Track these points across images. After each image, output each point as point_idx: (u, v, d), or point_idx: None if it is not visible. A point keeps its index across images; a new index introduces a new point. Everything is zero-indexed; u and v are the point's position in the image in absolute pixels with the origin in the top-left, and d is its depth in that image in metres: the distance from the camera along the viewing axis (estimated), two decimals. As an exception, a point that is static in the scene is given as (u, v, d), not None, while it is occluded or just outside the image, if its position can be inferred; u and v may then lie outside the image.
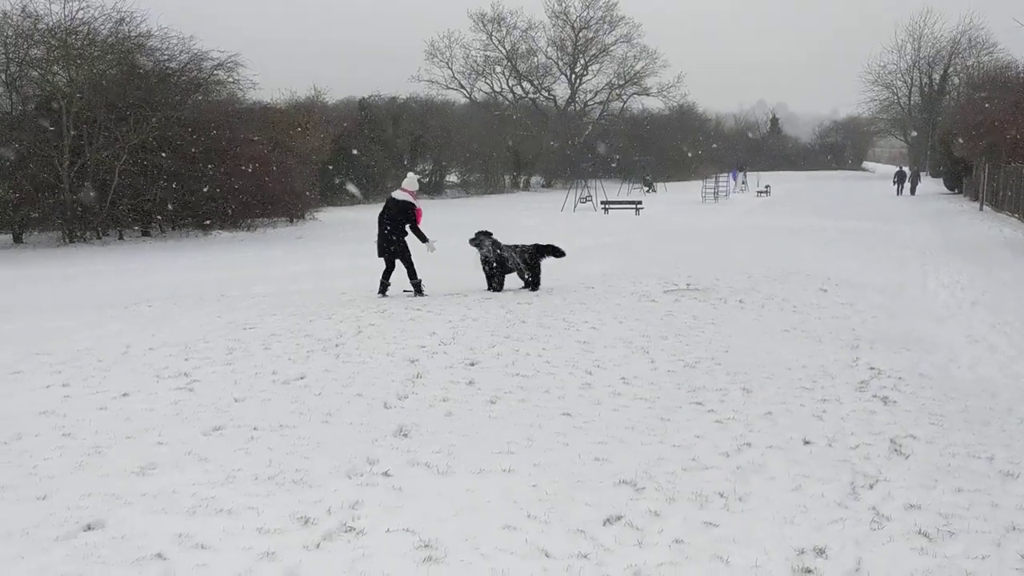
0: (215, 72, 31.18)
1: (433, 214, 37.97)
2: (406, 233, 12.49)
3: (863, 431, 6.18)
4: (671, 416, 6.47)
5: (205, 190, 28.70)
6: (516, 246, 13.27)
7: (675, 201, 46.81)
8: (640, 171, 59.23)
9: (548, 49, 73.38)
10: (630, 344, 9.07)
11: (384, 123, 52.25)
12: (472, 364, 7.92)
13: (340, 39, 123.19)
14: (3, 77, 27.79)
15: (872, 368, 8.27)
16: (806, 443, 5.87)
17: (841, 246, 21.38)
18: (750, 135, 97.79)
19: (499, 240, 13.08)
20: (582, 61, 73.94)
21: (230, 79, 31.60)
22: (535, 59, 73.27)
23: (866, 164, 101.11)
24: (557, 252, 13.52)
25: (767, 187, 53.28)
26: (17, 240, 27.84)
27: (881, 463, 5.49)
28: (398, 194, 12.56)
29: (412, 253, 12.58)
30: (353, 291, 13.26)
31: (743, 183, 58.11)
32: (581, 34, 72.90)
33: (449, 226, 30.25)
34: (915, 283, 15.05)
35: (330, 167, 43.46)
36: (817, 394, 7.22)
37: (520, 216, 36.88)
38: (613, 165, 60.88)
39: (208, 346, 8.54)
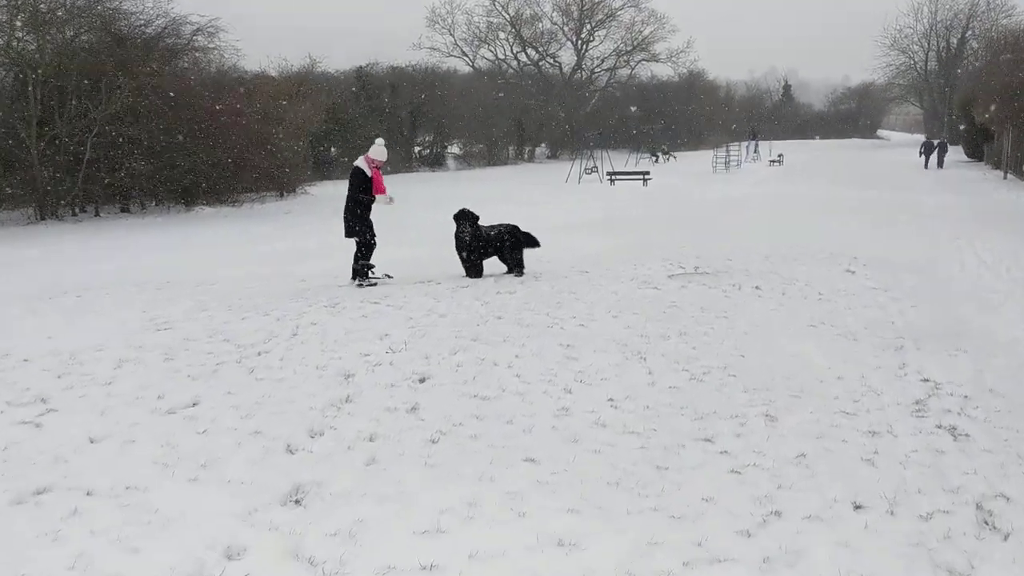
0: (195, 38, 29.39)
1: (431, 187, 36.53)
2: (361, 206, 10.83)
3: (934, 486, 4.52)
4: (671, 461, 4.82)
5: (179, 163, 26.95)
6: (494, 227, 11.61)
7: (685, 171, 44.94)
8: (649, 141, 57.25)
9: (553, 14, 70.96)
10: (624, 347, 7.41)
11: (382, 93, 50.33)
12: (422, 380, 6.28)
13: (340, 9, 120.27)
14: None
15: (926, 380, 6.60)
16: (857, 508, 4.22)
17: (862, 218, 19.64)
18: (762, 103, 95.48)
19: (478, 220, 11.40)
20: (588, 26, 71.49)
21: (211, 45, 29.79)
22: (540, 25, 70.82)
23: (881, 132, 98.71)
24: (532, 242, 11.87)
25: (780, 156, 51.35)
26: (-15, 218, 26.27)
27: (970, 546, 3.85)
28: (359, 161, 10.89)
29: (371, 232, 10.92)
30: (316, 277, 11.64)
31: (755, 152, 56.12)
32: (587, -2, 70.53)
33: (442, 199, 28.65)
34: (950, 259, 13.35)
35: (323, 139, 41.63)
36: (862, 422, 5.56)
37: (522, 188, 35.14)
38: (634, 132, 58.80)
39: (98, 356, 6.90)
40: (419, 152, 54.46)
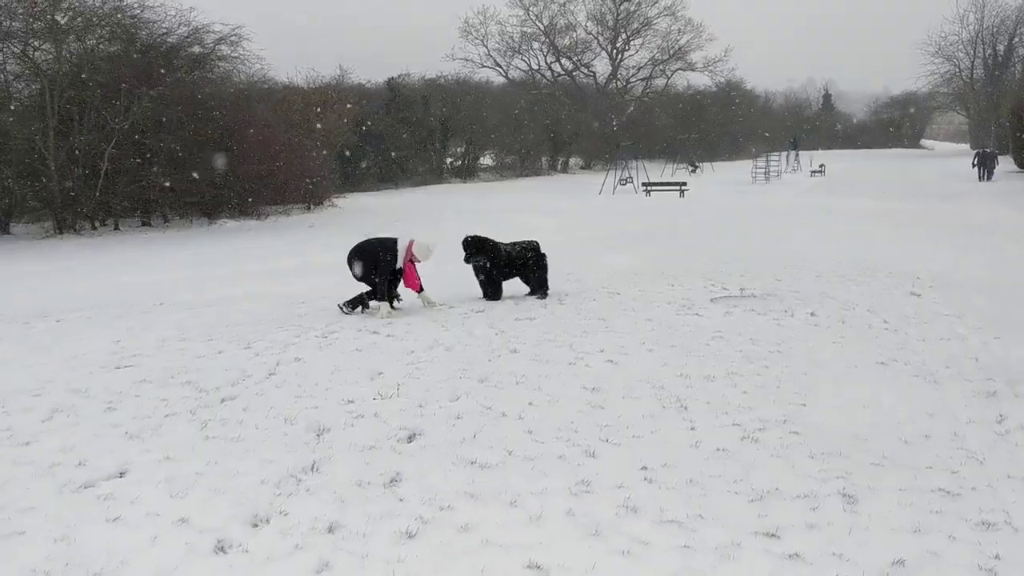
0: (218, 47, 28.59)
1: (463, 199, 35.40)
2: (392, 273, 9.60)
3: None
4: (724, 571, 3.60)
5: (195, 175, 26.07)
6: (516, 244, 10.43)
7: (723, 182, 43.50)
8: (685, 151, 55.81)
9: (588, 24, 69.67)
10: (660, 391, 6.19)
11: (414, 104, 49.37)
12: (411, 438, 5.10)
13: (369, 21, 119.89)
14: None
15: (1037, 440, 5.31)
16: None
17: (917, 231, 18.23)
18: (803, 112, 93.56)
19: (494, 241, 10.22)
20: (624, 35, 70.17)
21: (234, 54, 28.97)
22: (574, 34, 69.58)
23: (924, 141, 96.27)
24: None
25: (821, 166, 49.65)
26: (4, 231, 25.57)
27: None
28: (402, 242, 9.58)
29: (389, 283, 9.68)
30: (320, 297, 10.51)
31: (796, 161, 54.47)
32: (622, 7, 69.05)
33: (469, 212, 27.53)
34: (1021, 279, 11.97)
35: (347, 151, 40.71)
36: (969, 506, 4.29)
37: (554, 199, 33.98)
38: (667, 143, 57.32)
39: (31, 404, 5.79)
40: (450, 163, 53.49)
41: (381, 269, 9.41)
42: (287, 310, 9.78)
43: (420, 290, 9.69)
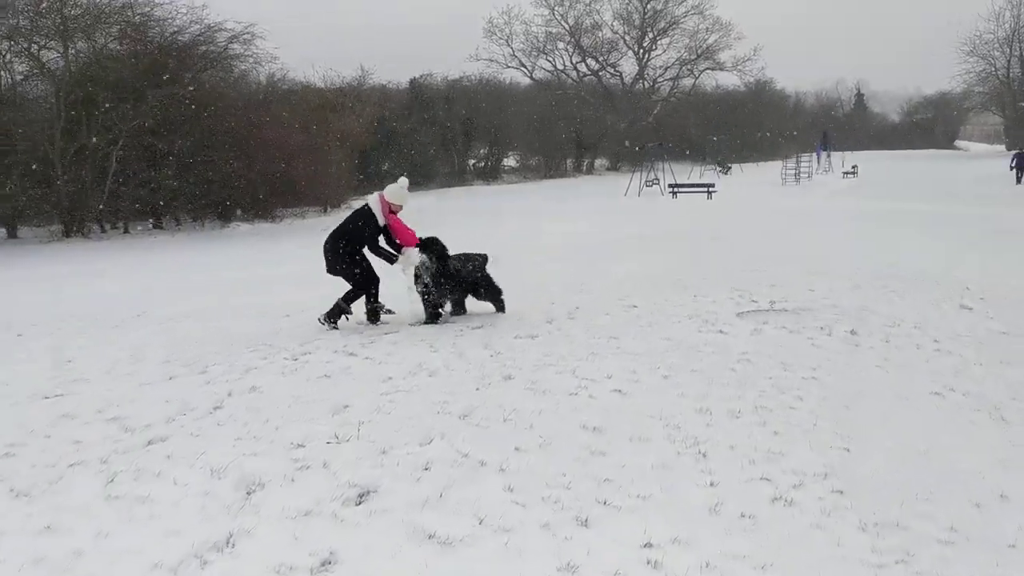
0: (230, 45, 27.86)
1: (484, 201, 34.43)
2: (357, 247, 8.62)
3: None
4: None
5: (214, 178, 25.34)
6: (465, 255, 9.10)
7: (752, 183, 42.34)
8: (713, 152, 54.52)
9: (614, 23, 68.36)
10: (675, 432, 5.18)
11: (436, 104, 48.47)
12: (360, 498, 4.12)
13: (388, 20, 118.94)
14: (-8, 53, 24.75)
15: None
16: None
17: (956, 237, 17.04)
18: (833, 113, 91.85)
19: (446, 249, 8.85)
20: (650, 35, 68.85)
21: (247, 52, 28.22)
22: (600, 34, 68.33)
23: (959, 143, 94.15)
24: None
25: (854, 167, 48.31)
26: (12, 235, 24.94)
27: None
28: (371, 199, 8.67)
29: (366, 276, 8.70)
30: (307, 309, 9.55)
31: (827, 162, 53.09)
32: (649, 6, 67.71)
33: (486, 214, 26.57)
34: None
35: (373, 152, 39.84)
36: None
37: (578, 201, 33.01)
38: (694, 144, 55.88)
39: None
40: (473, 165, 52.60)
41: (367, 239, 8.45)
42: (266, 324, 8.85)
43: (419, 243, 8.64)
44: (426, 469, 4.50)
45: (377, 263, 8.79)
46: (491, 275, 9.11)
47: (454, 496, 4.17)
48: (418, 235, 8.68)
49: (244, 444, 4.83)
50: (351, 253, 8.53)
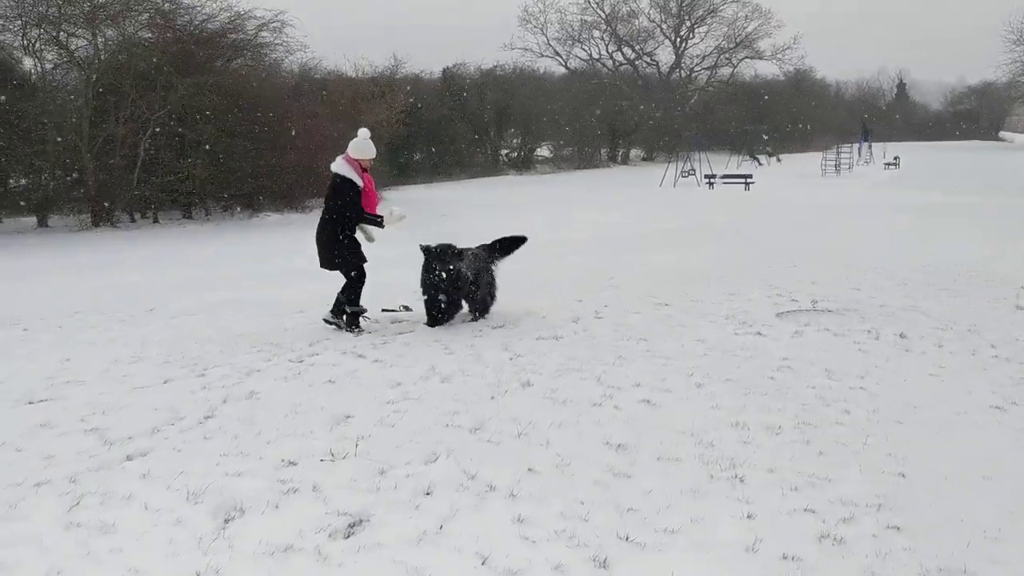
0: (260, 34, 27.53)
1: (514, 192, 33.93)
2: (346, 226, 7.89)
3: None
4: None
5: (243, 167, 25.05)
6: (468, 250, 8.33)
7: (792, 174, 41.39)
8: (752, 142, 53.47)
9: (651, 11, 67.41)
10: (708, 451, 4.65)
11: (469, 93, 47.98)
12: (350, 531, 3.63)
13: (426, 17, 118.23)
14: (23, 41, 24.56)
15: None
16: None
17: (1007, 231, 16.22)
18: (875, 103, 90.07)
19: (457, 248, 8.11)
20: (688, 23, 67.80)
21: (277, 41, 27.89)
22: (636, 22, 67.43)
23: (1003, 133, 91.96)
24: (517, 242, 8.62)
25: (896, 158, 47.11)
26: (42, 223, 24.85)
27: None
28: (338, 166, 7.93)
29: (358, 257, 7.99)
30: (319, 307, 9.08)
31: (868, 152, 51.88)
32: (687, -7, 66.87)
33: (514, 205, 26.06)
34: None
35: (405, 142, 39.44)
36: None
37: (611, 191, 32.37)
38: (732, 132, 54.72)
39: None
40: (506, 155, 52.08)
41: (349, 204, 7.72)
42: (275, 322, 8.43)
43: (376, 204, 8.06)
44: (427, 494, 4.03)
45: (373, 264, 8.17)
46: (495, 278, 8.48)
47: (455, 528, 3.68)
48: (429, 244, 8.04)
49: (230, 461, 4.38)
50: (348, 237, 7.91)
